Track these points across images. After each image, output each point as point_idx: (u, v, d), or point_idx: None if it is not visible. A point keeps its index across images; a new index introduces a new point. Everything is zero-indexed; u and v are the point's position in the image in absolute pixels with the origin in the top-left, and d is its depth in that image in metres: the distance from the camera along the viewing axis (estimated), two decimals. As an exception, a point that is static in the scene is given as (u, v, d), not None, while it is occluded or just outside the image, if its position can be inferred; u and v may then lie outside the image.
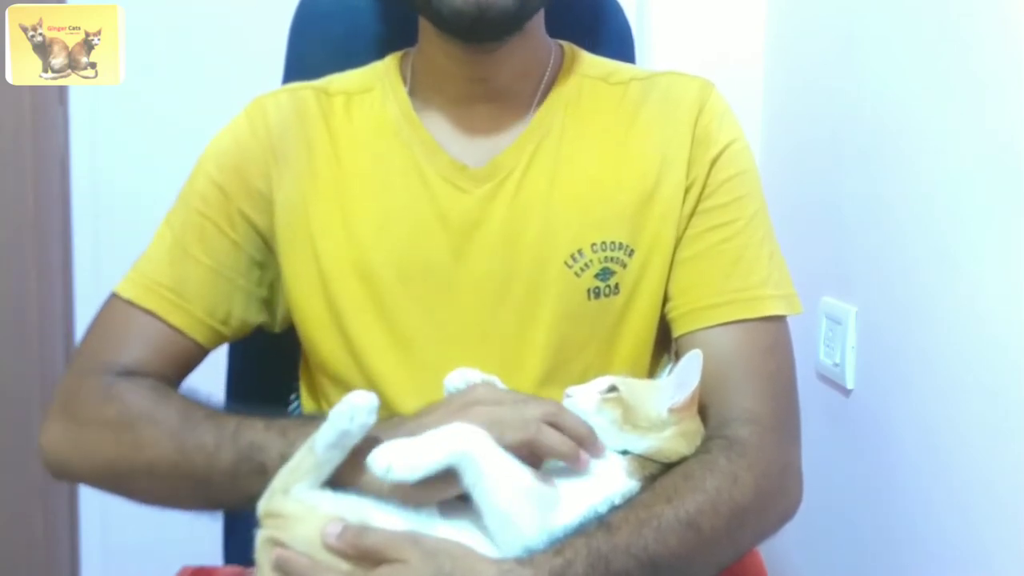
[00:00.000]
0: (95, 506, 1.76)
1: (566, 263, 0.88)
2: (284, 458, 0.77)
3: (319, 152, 0.92)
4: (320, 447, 0.74)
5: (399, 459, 0.71)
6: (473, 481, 0.71)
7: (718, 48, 1.55)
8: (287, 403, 1.07)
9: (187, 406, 0.85)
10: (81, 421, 0.86)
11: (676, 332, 0.90)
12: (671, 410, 0.80)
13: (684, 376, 0.81)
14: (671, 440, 0.80)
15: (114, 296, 0.91)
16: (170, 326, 0.90)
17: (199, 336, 0.91)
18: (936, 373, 1.05)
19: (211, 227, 0.92)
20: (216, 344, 0.94)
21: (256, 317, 0.95)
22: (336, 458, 0.74)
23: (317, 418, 0.78)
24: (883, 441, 1.18)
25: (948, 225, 1.03)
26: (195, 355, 0.92)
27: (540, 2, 0.89)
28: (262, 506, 0.75)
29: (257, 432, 0.81)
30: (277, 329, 0.97)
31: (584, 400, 0.81)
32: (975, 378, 0.98)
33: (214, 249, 0.92)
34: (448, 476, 0.71)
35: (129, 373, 0.87)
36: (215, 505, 0.86)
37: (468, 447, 0.71)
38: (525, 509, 0.72)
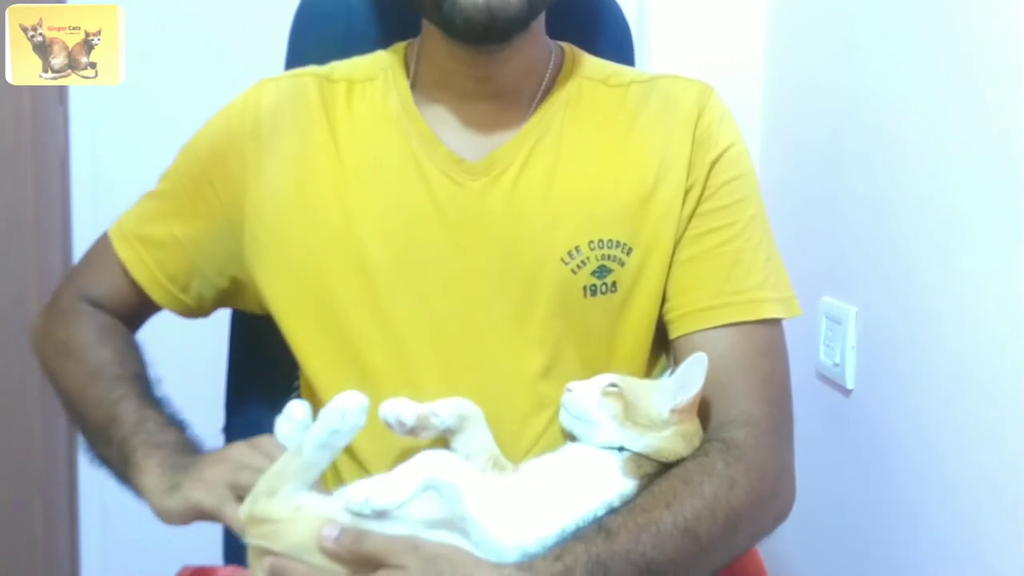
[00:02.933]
0: (95, 506, 1.76)
1: (563, 259, 0.88)
2: (124, 442, 0.85)
3: (316, 140, 0.92)
4: (310, 447, 0.73)
5: (376, 491, 0.71)
6: (453, 502, 0.72)
7: (718, 49, 1.55)
8: (288, 395, 1.06)
9: (118, 359, 0.93)
10: (46, 330, 0.99)
11: (673, 334, 0.90)
12: (673, 410, 0.80)
13: (687, 378, 0.81)
14: (670, 440, 0.80)
15: (106, 234, 0.99)
16: (132, 279, 0.96)
17: (156, 296, 0.97)
18: (936, 373, 1.05)
19: (187, 200, 0.95)
20: (179, 308, 0.98)
21: (215, 299, 0.99)
22: (325, 459, 0.74)
23: (186, 434, 0.87)
24: (883, 441, 1.18)
25: (948, 225, 1.03)
26: (150, 309, 0.99)
27: (545, 2, 0.89)
28: (245, 511, 0.74)
29: (130, 410, 0.87)
30: (260, 312, 0.97)
31: (584, 395, 0.82)
32: (975, 378, 0.98)
33: (184, 221, 0.95)
34: None
35: (96, 304, 0.98)
36: (91, 453, 0.92)
37: (441, 472, 0.72)
38: (508, 521, 0.72)
